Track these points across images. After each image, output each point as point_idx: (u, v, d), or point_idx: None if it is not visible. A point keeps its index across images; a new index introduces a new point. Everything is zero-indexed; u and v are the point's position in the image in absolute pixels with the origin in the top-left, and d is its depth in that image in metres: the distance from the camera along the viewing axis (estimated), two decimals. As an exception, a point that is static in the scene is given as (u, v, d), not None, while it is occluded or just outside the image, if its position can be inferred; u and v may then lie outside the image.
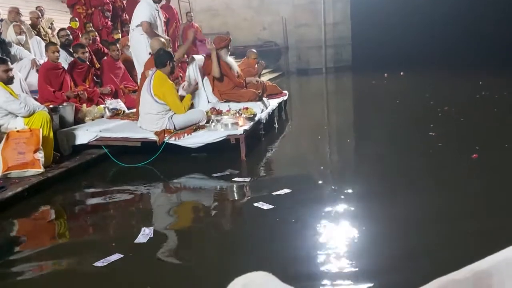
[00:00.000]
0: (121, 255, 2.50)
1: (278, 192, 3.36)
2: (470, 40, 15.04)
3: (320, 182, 3.71)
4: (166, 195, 3.80)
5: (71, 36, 6.62)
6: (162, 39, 5.40)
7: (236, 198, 3.59)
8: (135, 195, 3.67)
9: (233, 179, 3.82)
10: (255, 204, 3.14)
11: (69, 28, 7.47)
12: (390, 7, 15.48)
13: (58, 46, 5.37)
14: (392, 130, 5.54)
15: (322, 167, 4.15)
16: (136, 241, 2.68)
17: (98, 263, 2.43)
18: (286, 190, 3.38)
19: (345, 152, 4.96)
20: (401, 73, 11.54)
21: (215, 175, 3.97)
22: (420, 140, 4.87)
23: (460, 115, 5.99)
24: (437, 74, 11.50)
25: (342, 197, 3.25)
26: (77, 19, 7.45)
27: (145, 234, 2.73)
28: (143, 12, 5.56)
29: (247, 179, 3.82)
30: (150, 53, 5.43)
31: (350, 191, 3.39)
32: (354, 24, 15.24)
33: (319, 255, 2.42)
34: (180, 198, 3.76)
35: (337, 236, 2.64)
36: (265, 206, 3.09)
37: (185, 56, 8.44)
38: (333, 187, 3.57)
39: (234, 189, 3.69)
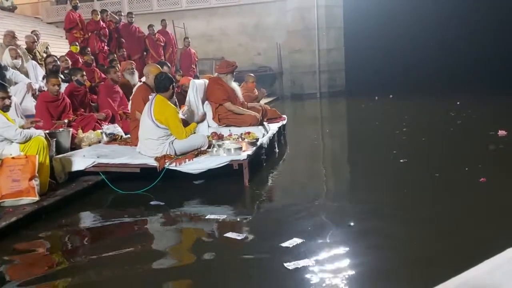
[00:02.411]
0: None
1: (286, 244, 2.80)
2: (459, 64, 15.54)
3: (333, 225, 3.17)
4: (165, 231, 3.44)
5: (58, 62, 6.48)
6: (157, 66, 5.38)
7: (240, 253, 2.84)
8: (132, 229, 3.44)
9: (231, 233, 3.07)
10: (288, 266, 2.49)
11: (70, 52, 7.37)
12: (382, 33, 15.77)
13: (59, 79, 5.14)
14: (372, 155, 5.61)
15: (334, 204, 3.76)
16: None
17: None
18: (297, 241, 2.83)
19: (344, 182, 4.78)
20: (390, 96, 12.20)
21: (212, 217, 3.45)
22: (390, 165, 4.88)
23: (422, 135, 6.57)
24: (423, 97, 12.17)
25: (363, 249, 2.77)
26: (77, 43, 7.39)
27: None
28: None
29: (250, 223, 3.36)
30: (140, 81, 5.39)
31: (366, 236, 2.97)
32: (348, 50, 15.47)
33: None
34: (179, 238, 3.36)
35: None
36: (291, 266, 2.49)
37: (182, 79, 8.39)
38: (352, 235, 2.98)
39: (237, 238, 3.01)
